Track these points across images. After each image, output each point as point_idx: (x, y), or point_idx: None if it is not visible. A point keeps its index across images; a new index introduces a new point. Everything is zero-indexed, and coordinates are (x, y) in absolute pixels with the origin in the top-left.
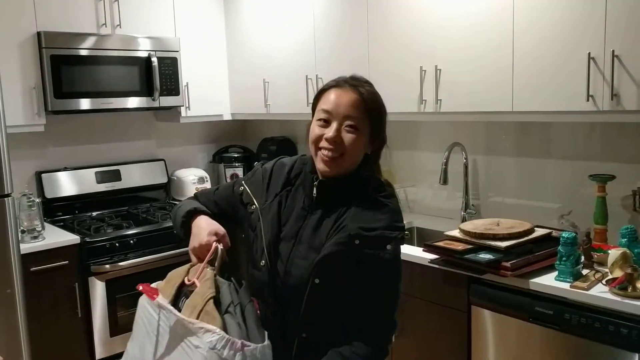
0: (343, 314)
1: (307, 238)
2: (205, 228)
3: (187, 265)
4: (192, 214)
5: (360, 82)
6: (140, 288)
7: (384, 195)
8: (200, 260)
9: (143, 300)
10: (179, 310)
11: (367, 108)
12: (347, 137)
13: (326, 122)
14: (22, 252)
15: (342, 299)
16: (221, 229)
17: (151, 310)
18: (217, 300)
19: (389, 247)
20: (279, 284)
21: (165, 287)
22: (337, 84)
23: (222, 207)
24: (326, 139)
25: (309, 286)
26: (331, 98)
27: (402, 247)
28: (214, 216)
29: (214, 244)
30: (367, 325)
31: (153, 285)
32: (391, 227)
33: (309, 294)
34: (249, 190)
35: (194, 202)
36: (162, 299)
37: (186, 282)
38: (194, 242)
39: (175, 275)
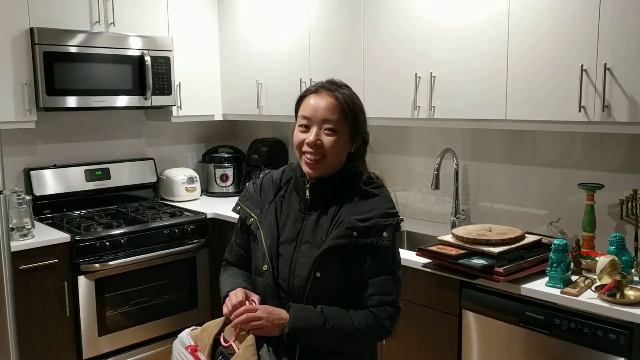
0: (344, 307)
1: (308, 238)
2: (234, 292)
3: (223, 318)
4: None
5: (336, 87)
6: (189, 350)
7: (374, 186)
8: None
9: (180, 347)
10: None
11: (343, 111)
12: (327, 140)
13: (306, 128)
14: (11, 250)
15: (343, 291)
16: (250, 292)
17: None
18: None
19: (385, 234)
20: (284, 286)
21: (202, 335)
22: (315, 89)
23: (247, 246)
24: (307, 144)
25: (311, 280)
26: (309, 104)
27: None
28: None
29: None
30: (371, 304)
31: (189, 332)
32: (385, 215)
33: (311, 287)
34: (244, 206)
35: (228, 281)
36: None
37: (222, 342)
38: (227, 303)
39: (212, 325)
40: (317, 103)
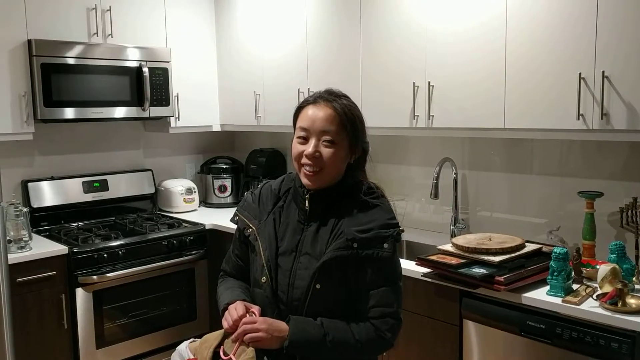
0: (344, 319)
1: (307, 249)
2: (233, 306)
3: (223, 331)
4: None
5: (334, 97)
6: None
7: (374, 196)
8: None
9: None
10: None
11: (342, 122)
12: (326, 151)
13: (305, 139)
14: (8, 263)
15: (343, 303)
16: (250, 305)
17: None
18: None
19: (385, 245)
20: (283, 298)
21: (201, 348)
22: (313, 100)
23: (245, 256)
24: (305, 155)
25: (310, 292)
26: (307, 115)
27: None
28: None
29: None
30: (372, 316)
31: (187, 345)
32: (385, 226)
33: (310, 299)
34: (242, 217)
35: (226, 293)
36: None
37: (222, 356)
38: (227, 317)
39: (211, 338)
40: (315, 114)
